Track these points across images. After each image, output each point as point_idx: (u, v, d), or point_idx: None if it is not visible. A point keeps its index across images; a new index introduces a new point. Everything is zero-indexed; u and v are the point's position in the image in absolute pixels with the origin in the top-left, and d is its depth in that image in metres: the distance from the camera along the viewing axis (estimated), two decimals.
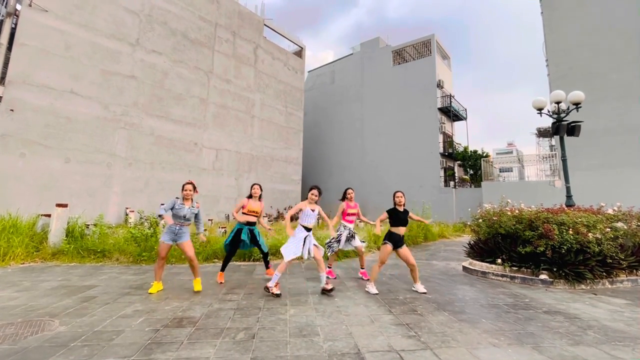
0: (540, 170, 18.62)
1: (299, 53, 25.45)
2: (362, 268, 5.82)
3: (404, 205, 4.86)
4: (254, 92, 20.53)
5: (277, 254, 7.51)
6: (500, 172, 22.84)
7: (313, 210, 4.52)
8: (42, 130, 11.97)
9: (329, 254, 5.65)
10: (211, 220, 14.81)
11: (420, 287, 4.81)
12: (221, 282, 5.15)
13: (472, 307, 4.10)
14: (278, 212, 20.40)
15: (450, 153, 22.91)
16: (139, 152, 14.74)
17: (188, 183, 4.63)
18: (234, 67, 19.40)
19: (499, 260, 6.11)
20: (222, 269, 5.27)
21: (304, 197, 23.04)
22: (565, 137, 7.72)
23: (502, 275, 5.80)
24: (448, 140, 23.51)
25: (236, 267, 6.52)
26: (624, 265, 5.46)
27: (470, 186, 21.84)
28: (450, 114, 23.77)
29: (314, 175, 27.85)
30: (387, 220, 4.89)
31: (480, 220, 6.85)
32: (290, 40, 24.62)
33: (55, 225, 7.12)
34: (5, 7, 11.91)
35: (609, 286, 5.33)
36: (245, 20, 20.54)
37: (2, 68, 11.50)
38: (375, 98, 25.45)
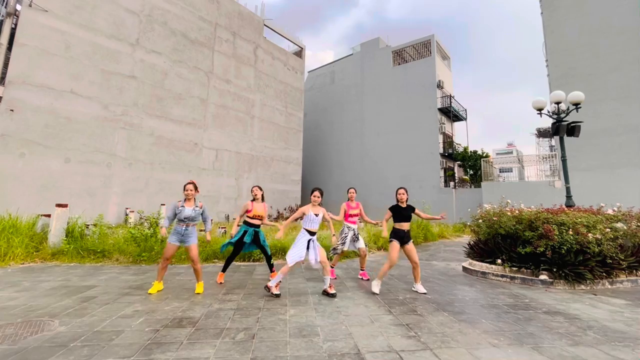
0: (540, 170, 18.63)
1: (299, 53, 25.47)
2: (362, 269, 5.82)
3: (406, 201, 4.88)
4: (254, 92, 20.54)
5: (277, 254, 7.52)
6: (500, 172, 22.84)
7: (317, 215, 4.48)
8: (42, 130, 11.97)
9: (331, 254, 5.67)
10: (211, 220, 14.80)
11: (420, 288, 4.81)
12: (220, 283, 5.14)
13: (472, 308, 4.10)
14: (278, 212, 20.40)
15: (450, 153, 22.92)
16: (138, 152, 14.74)
17: (189, 183, 4.63)
18: (234, 67, 19.41)
19: (499, 261, 6.11)
20: (224, 270, 5.27)
21: (304, 198, 23.09)
22: (565, 138, 7.72)
23: (502, 276, 5.80)
24: (448, 141, 23.52)
25: (236, 268, 6.52)
26: (624, 266, 5.46)
27: (470, 186, 21.84)
28: (450, 114, 23.78)
29: (314, 175, 27.86)
30: (391, 219, 4.92)
31: (480, 221, 6.85)
32: (290, 41, 24.63)
33: (55, 225, 7.12)
34: (5, 7, 11.91)
35: (609, 286, 5.34)
36: (245, 20, 20.55)
37: (2, 68, 11.50)
38: (375, 98, 25.46)
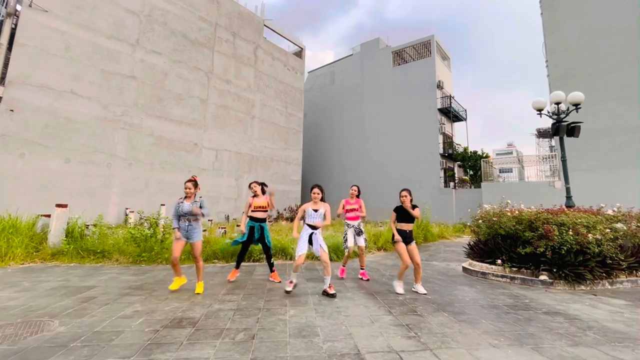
0: (540, 171, 18.63)
1: (299, 53, 25.48)
2: (361, 268, 5.82)
3: (410, 202, 4.89)
4: (254, 92, 20.54)
5: (277, 254, 7.52)
6: (500, 172, 22.84)
7: (316, 210, 4.64)
8: (42, 131, 11.97)
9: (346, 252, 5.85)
10: (211, 220, 14.80)
11: (420, 288, 4.82)
12: (230, 281, 5.25)
13: (472, 308, 4.10)
14: (278, 212, 20.39)
15: (450, 154, 22.93)
16: (138, 153, 14.74)
17: (189, 181, 4.65)
18: (234, 68, 19.41)
19: (499, 261, 6.11)
20: (237, 267, 5.39)
21: (304, 198, 23.08)
22: (565, 138, 7.72)
23: (502, 276, 5.80)
24: (448, 141, 23.53)
25: None
26: (624, 266, 5.45)
27: (470, 187, 21.84)
28: (450, 114, 23.79)
29: (314, 175, 27.86)
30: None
31: (480, 221, 6.85)
32: (290, 41, 24.65)
33: (55, 225, 7.12)
34: (6, 7, 11.91)
35: (609, 287, 5.34)
36: (245, 20, 20.56)
37: (2, 68, 11.51)
38: (375, 99, 25.47)
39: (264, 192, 5.46)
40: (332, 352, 2.74)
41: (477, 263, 6.47)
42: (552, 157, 17.90)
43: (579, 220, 5.57)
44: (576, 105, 7.70)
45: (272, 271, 5.45)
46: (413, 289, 4.90)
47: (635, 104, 13.55)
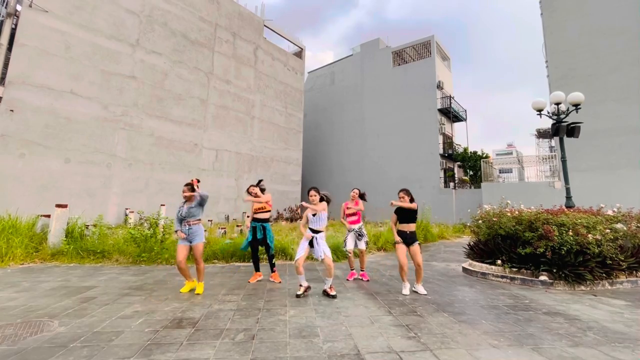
0: (540, 171, 18.65)
1: (299, 54, 25.49)
2: (362, 270, 5.82)
3: (410, 202, 4.87)
4: (254, 92, 20.55)
5: (277, 254, 7.52)
6: (500, 173, 22.84)
7: (314, 215, 4.62)
8: (42, 131, 11.97)
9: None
10: (211, 221, 14.81)
11: (420, 289, 4.82)
12: (258, 280, 5.36)
13: (471, 309, 4.10)
14: (278, 212, 20.39)
15: (450, 154, 22.93)
16: (138, 153, 14.74)
17: (186, 184, 4.66)
18: (234, 68, 19.42)
19: (499, 262, 6.11)
20: (257, 269, 5.45)
21: (303, 198, 23.07)
22: (565, 139, 7.73)
23: (502, 277, 5.80)
24: (448, 141, 23.53)
25: (235, 268, 6.52)
26: (624, 267, 5.45)
27: (470, 187, 21.84)
28: (450, 115, 23.79)
29: (314, 176, 27.85)
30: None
31: (480, 222, 6.85)
32: (290, 41, 24.65)
33: (55, 225, 7.11)
34: (6, 7, 11.92)
35: (609, 287, 5.33)
36: (246, 21, 20.57)
37: (2, 68, 11.51)
38: (375, 99, 25.47)
39: (263, 192, 5.49)
40: (332, 353, 2.74)
41: (477, 263, 6.47)
42: (552, 158, 17.91)
43: (579, 220, 5.57)
44: (576, 106, 7.71)
45: (272, 271, 5.46)
46: (413, 289, 4.91)
47: (635, 104, 13.55)
